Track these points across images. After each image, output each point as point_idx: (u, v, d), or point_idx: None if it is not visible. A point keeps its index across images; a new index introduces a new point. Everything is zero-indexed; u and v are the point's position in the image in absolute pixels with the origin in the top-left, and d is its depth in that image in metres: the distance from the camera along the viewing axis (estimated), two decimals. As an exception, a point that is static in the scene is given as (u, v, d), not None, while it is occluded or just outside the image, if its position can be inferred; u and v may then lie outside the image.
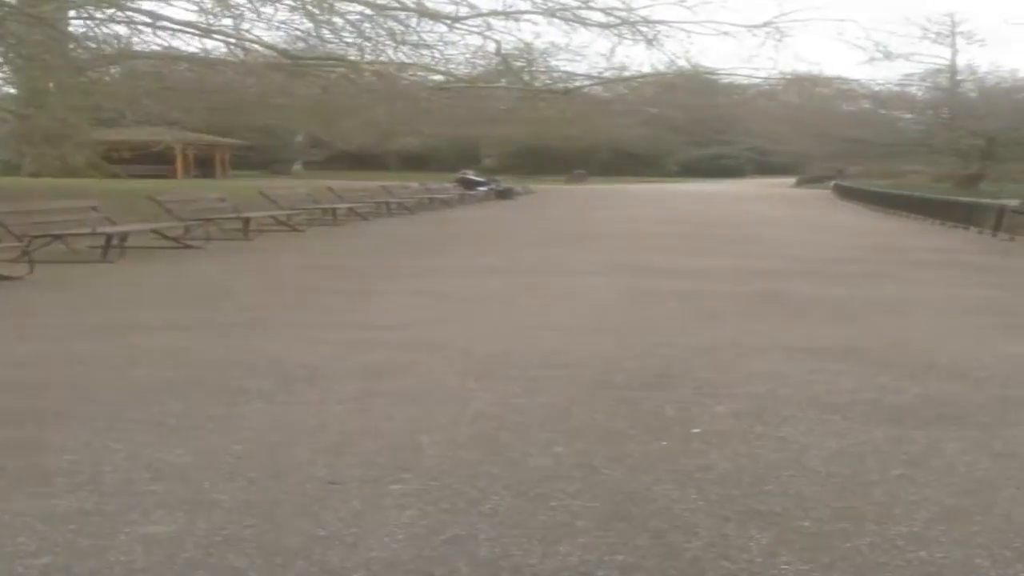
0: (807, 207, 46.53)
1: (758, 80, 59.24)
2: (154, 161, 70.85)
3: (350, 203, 30.85)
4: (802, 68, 49.59)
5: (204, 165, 72.72)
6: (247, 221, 22.39)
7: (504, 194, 48.08)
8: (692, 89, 57.76)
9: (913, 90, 77.32)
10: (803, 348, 9.62)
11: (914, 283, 15.56)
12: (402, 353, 9.05)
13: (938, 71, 74.57)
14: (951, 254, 21.30)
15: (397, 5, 38.91)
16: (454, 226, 28.01)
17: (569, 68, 46.57)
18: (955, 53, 69.80)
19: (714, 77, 53.92)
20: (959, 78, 75.45)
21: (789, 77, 61.23)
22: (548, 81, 46.68)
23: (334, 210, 28.06)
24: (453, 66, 45.76)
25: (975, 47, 73.69)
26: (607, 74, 46.71)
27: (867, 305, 12.94)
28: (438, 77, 47.15)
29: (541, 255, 19.22)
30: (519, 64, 44.81)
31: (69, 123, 56.07)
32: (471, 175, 51.40)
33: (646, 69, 47.74)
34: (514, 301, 12.90)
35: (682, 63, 45.05)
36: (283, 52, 44.38)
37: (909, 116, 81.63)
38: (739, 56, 56.79)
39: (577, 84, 47.10)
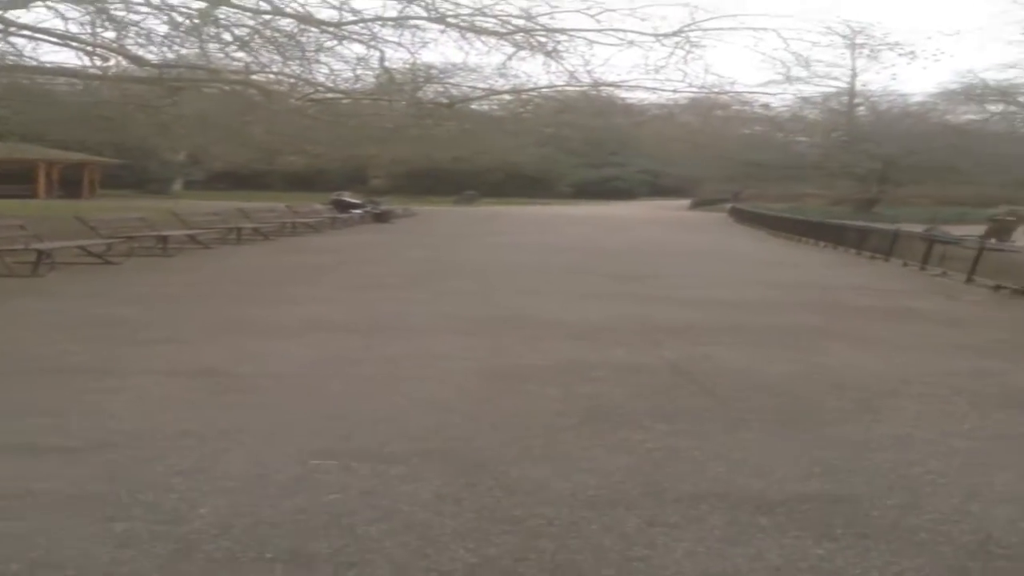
0: (706, 232, 42.89)
1: (658, 101, 56.18)
2: (12, 180, 65.44)
3: (192, 229, 26.26)
4: (711, 81, 45.67)
5: (70, 185, 67.06)
6: None
7: (381, 217, 43.74)
8: (590, 109, 54.62)
9: (810, 112, 74.67)
10: (764, 507, 5.63)
11: (876, 346, 11.55)
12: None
13: (836, 93, 71.73)
14: (890, 297, 17.49)
15: (272, 10, 35.04)
16: (305, 257, 23.61)
17: (459, 81, 43.17)
18: (854, 76, 66.89)
19: (613, 96, 50.19)
20: (856, 101, 72.94)
21: (690, 98, 58.45)
22: (435, 95, 42.91)
23: (165, 238, 23.41)
24: (340, 81, 42.03)
25: (872, 70, 70.46)
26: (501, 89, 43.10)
27: (833, 391, 8.88)
28: (325, 94, 43.31)
29: (392, 300, 14.96)
30: (402, 77, 40.99)
31: None
32: (346, 197, 46.89)
33: (544, 84, 44.09)
34: (317, 390, 8.59)
35: (583, 76, 41.54)
36: (159, 66, 40.73)
37: (805, 139, 79.02)
38: (645, 69, 53.37)
39: (466, 97, 43.33)
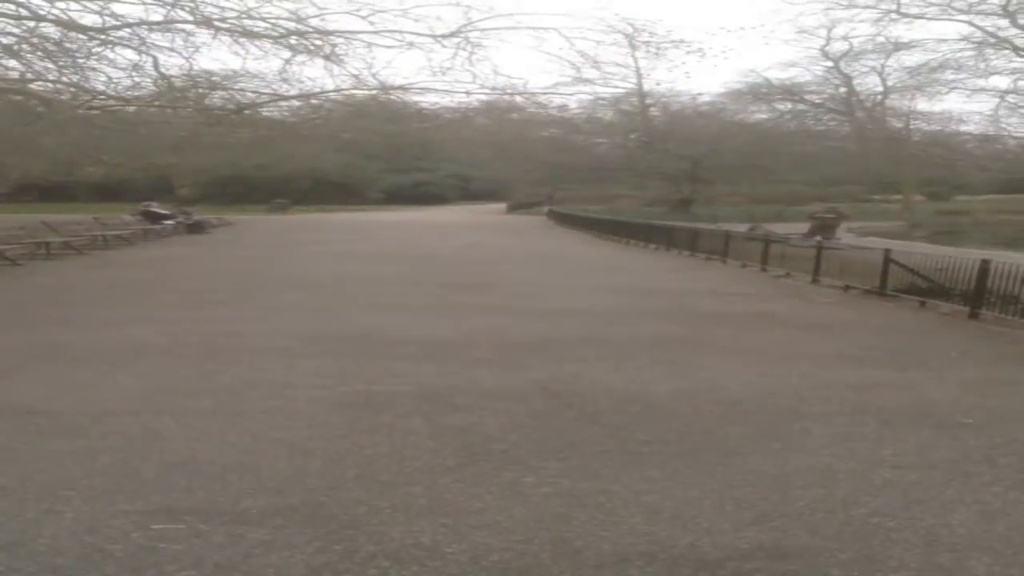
0: (529, 236, 42.17)
1: (451, 104, 55.75)
2: None
3: (-5, 244, 24.42)
4: (502, 82, 45.21)
5: None
6: None
7: (195, 228, 41.80)
8: (383, 114, 53.99)
9: (604, 113, 74.94)
10: (704, 569, 4.83)
11: (752, 358, 10.78)
12: None
13: (627, 94, 71.77)
14: (744, 301, 16.86)
15: (32, 15, 33.15)
16: (121, 272, 21.87)
17: (242, 87, 41.90)
18: (640, 76, 67.26)
19: (405, 98, 49.48)
20: (648, 102, 73.30)
21: (482, 100, 57.97)
22: (221, 102, 41.55)
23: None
24: (120, 89, 40.25)
25: (660, 69, 71.30)
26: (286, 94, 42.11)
27: (728, 413, 8.06)
28: (106, 101, 41.41)
29: (222, 320, 13.60)
30: (182, 83, 39.48)
31: None
32: (155, 207, 44.70)
33: (330, 89, 43.28)
34: (150, 430, 7.33)
35: (368, 80, 40.69)
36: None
37: (605, 140, 79.26)
38: (431, 71, 53.02)
39: (252, 103, 42.04)
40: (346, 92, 44.55)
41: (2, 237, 25.68)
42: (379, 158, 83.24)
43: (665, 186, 76.28)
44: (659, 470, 6.33)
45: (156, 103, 41.24)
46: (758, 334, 12.70)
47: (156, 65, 37.94)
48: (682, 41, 67.55)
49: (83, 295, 17.33)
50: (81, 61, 37.17)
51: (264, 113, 48.38)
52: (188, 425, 7.46)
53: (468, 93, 44.94)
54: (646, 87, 70.12)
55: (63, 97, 40.76)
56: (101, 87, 40.65)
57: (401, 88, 44.45)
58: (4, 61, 38.67)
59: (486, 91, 45.04)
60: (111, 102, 40.61)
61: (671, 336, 12.30)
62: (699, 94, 72.94)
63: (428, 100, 53.08)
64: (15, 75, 39.15)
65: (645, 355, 10.75)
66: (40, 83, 39.85)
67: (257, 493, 5.82)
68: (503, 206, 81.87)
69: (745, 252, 24.85)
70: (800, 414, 7.99)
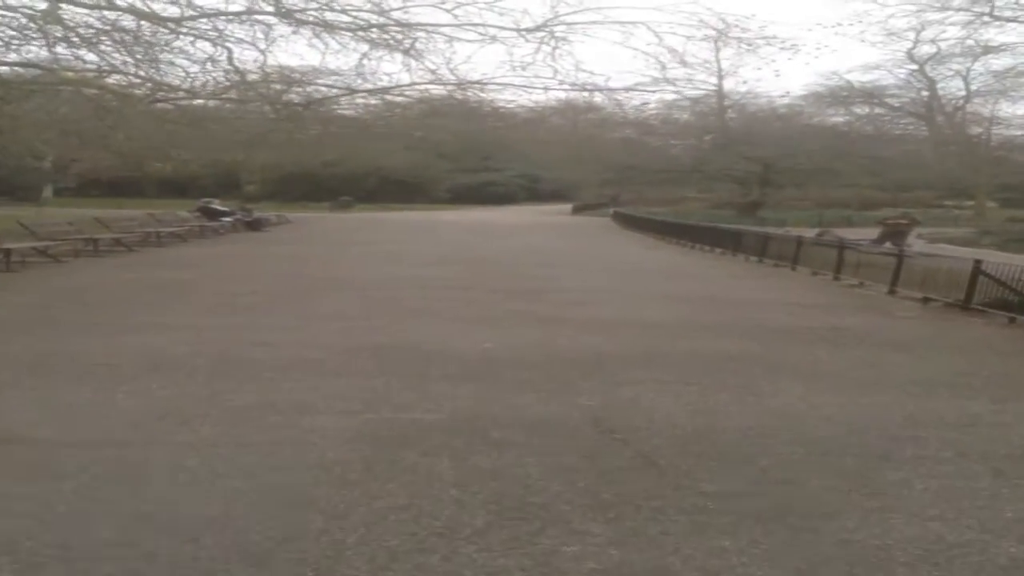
0: (592, 239, 40.93)
1: (527, 103, 54.40)
2: None
3: (42, 240, 23.51)
4: (583, 79, 43.61)
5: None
6: None
7: (254, 225, 40.99)
8: (458, 112, 52.74)
9: (680, 114, 73.33)
10: None
11: (832, 383, 9.49)
12: None
13: (706, 96, 70.21)
14: (817, 314, 15.52)
15: (108, 5, 32.51)
16: (163, 272, 20.91)
17: (317, 83, 41.01)
18: (721, 76, 65.74)
19: (481, 95, 48.08)
20: (726, 103, 71.82)
21: (560, 100, 56.71)
22: (293, 96, 40.51)
23: (8, 251, 20.56)
24: (194, 84, 39.56)
25: (748, 66, 69.45)
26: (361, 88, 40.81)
27: (814, 458, 6.82)
28: (179, 96, 40.83)
29: (252, 327, 12.52)
30: (255, 77, 38.58)
31: None
32: (215, 204, 43.97)
33: (405, 83, 41.92)
34: (135, 467, 6.27)
35: (446, 75, 39.43)
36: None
37: (679, 142, 77.70)
38: (511, 66, 51.34)
39: (324, 97, 40.95)
40: (421, 88, 43.27)
41: (50, 233, 24.89)
42: (449, 157, 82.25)
43: (734, 189, 74.83)
44: (731, 538, 5.12)
45: (227, 96, 40.30)
46: (835, 354, 11.38)
47: (231, 58, 37.29)
48: (774, 37, 65.51)
49: (114, 296, 16.39)
50: (158, 54, 36.67)
51: (337, 111, 47.62)
52: (178, 462, 6.35)
53: (547, 89, 43.44)
54: (727, 87, 68.84)
55: (137, 92, 40.25)
56: (176, 81, 40.15)
57: (478, 83, 43.06)
58: (82, 54, 38.33)
59: (566, 87, 43.46)
60: (182, 95, 39.74)
61: (739, 354, 11.03)
62: (782, 95, 71.49)
63: (504, 97, 51.56)
64: (92, 69, 38.74)
65: (711, 377, 9.51)
66: (115, 77, 39.32)
67: (233, 565, 4.69)
68: (569, 207, 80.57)
69: (817, 259, 23.47)
70: (894, 460, 6.72)
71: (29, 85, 40.47)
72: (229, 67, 36.97)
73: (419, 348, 10.92)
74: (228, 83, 38.90)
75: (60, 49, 37.22)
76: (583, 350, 11.01)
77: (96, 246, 25.31)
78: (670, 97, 66.74)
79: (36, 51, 39.05)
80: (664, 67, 55.32)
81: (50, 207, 60.34)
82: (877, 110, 72.07)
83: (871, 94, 69.90)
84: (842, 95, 70.49)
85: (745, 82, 75.91)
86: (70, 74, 38.92)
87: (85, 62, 39.36)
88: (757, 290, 19.53)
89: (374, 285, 18.44)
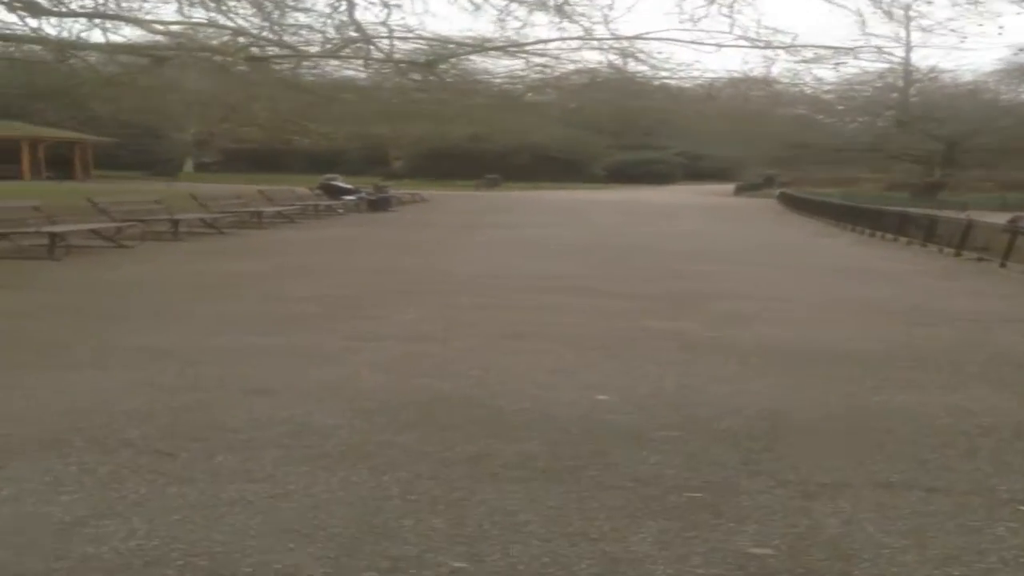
0: (755, 222, 36.66)
1: (696, 77, 50.10)
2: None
3: (111, 221, 20.52)
4: (765, 36, 38.79)
5: (60, 164, 61.18)
6: None
7: (379, 205, 37.72)
8: (621, 86, 48.87)
9: (858, 90, 67.79)
10: None
11: None
12: None
13: (890, 69, 64.62)
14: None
15: None
16: (232, 263, 17.60)
17: (437, 30, 37.91)
18: (909, 49, 60.22)
19: (644, 68, 43.88)
20: (914, 77, 66.15)
21: (730, 79, 52.37)
22: (415, 52, 36.95)
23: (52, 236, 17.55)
24: (313, 44, 36.76)
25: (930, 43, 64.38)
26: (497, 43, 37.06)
27: None
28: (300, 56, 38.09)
29: (280, 354, 8.95)
30: (378, 26, 35.31)
31: None
32: (338, 181, 40.71)
33: (553, 38, 38.08)
34: None
35: (600, 32, 35.50)
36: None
37: (860, 120, 72.18)
38: (680, 20, 46.89)
39: (453, 54, 37.34)
40: (575, 49, 39.31)
41: (128, 212, 21.89)
42: (607, 132, 78.22)
43: (912, 169, 69.43)
44: None
45: (346, 55, 37.21)
46: None
47: (351, 11, 34.33)
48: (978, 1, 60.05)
49: (129, 299, 12.90)
50: (280, 15, 34.17)
51: (484, 80, 44.51)
52: None
53: (719, 46, 38.70)
54: (913, 60, 63.44)
55: (269, 52, 37.81)
56: (292, 39, 37.49)
57: (638, 38, 38.83)
58: (215, 17, 36.21)
59: (744, 44, 38.79)
60: (295, 56, 36.97)
61: (991, 422, 7.02)
62: (960, 70, 65.79)
63: (670, 66, 47.09)
64: (227, 31, 36.59)
65: (963, 476, 5.61)
66: (244, 39, 36.86)
67: None
68: (731, 187, 75.74)
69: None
70: None
71: (162, 51, 38.63)
72: (348, 19, 34.03)
73: (493, 403, 7.17)
74: (340, 39, 35.76)
75: (195, 13, 35.27)
76: (750, 409, 7.14)
77: (176, 228, 22.11)
78: (851, 72, 61.72)
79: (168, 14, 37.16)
80: (864, 22, 50.46)
81: (181, 182, 58.46)
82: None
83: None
84: (1029, 71, 64.37)
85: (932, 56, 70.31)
86: (208, 39, 36.93)
87: (218, 26, 37.30)
88: (968, 296, 15.22)
89: (480, 285, 14.76)
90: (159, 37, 37.33)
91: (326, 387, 7.54)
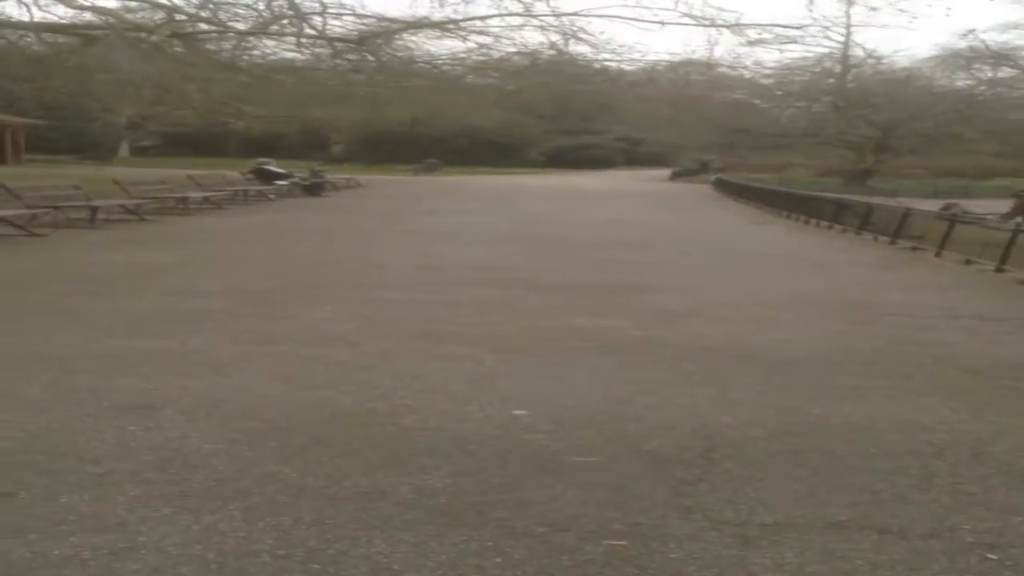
0: (691, 210, 36.06)
1: (636, 56, 49.54)
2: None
3: (26, 208, 19.39)
4: (711, 13, 38.19)
5: (-15, 149, 58.91)
6: None
7: (313, 190, 36.65)
8: (560, 69, 48.19)
9: (797, 75, 67.55)
10: None
11: None
12: None
13: (828, 54, 64.34)
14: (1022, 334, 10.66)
15: None
16: (139, 253, 16.52)
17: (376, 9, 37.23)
18: (849, 32, 59.85)
19: (585, 51, 43.31)
20: (851, 63, 65.88)
21: (669, 63, 51.89)
22: (349, 30, 36.16)
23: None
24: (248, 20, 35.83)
25: (874, 23, 64.05)
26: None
27: None
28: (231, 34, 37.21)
29: (127, 372, 8.06)
30: (312, 3, 34.55)
31: None
32: (271, 166, 39.46)
33: (488, 14, 37.36)
34: None
35: (539, 8, 34.84)
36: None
37: (797, 105, 71.81)
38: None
39: (386, 31, 36.49)
40: (514, 22, 38.53)
41: (45, 198, 20.77)
42: (546, 117, 77.42)
43: (846, 156, 69.20)
44: None
45: (273, 30, 36.27)
46: None
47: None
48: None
49: (21, 294, 11.81)
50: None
51: (420, 63, 43.64)
52: None
53: (663, 23, 38.01)
54: (857, 42, 63.27)
55: (201, 30, 36.85)
56: (224, 16, 36.58)
57: (578, 15, 38.08)
58: None
59: (689, 20, 38.10)
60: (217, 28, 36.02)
61: (944, 439, 6.24)
62: (906, 55, 65.64)
63: (611, 49, 46.23)
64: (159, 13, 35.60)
65: (921, 512, 4.89)
66: (180, 17, 35.87)
67: None
68: (667, 173, 75.10)
69: (974, 242, 18.57)
70: None
71: (92, 30, 37.58)
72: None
73: (398, 422, 6.35)
74: (274, 17, 34.87)
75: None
76: (682, 426, 6.39)
77: (94, 215, 21.01)
78: (792, 56, 61.43)
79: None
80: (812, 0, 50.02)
81: (114, 166, 56.90)
82: (1012, 72, 65.59)
83: (1006, 56, 63.49)
84: (972, 56, 64.24)
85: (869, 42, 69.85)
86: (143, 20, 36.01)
87: (153, 4, 36.33)
88: (908, 290, 14.53)
89: (404, 278, 13.94)
90: (88, 15, 36.25)
91: (212, 402, 6.67)
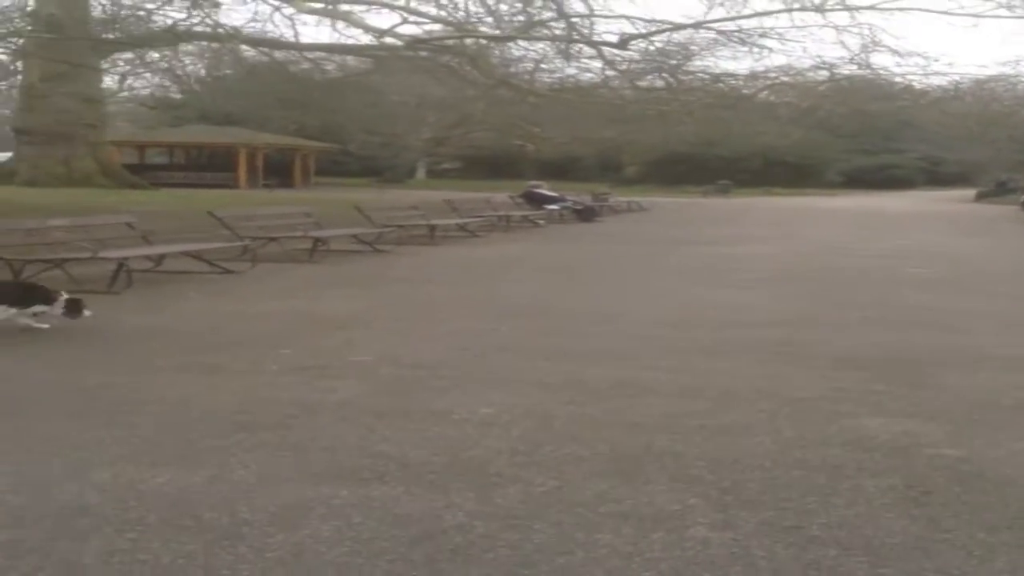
0: (1004, 238, 30.58)
1: (940, 83, 45.06)
2: (207, 167, 58.17)
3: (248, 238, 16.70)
4: None
5: (279, 172, 58.40)
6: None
7: (585, 214, 33.46)
8: (864, 87, 44.51)
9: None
10: None
11: None
12: None
13: None
14: None
15: None
16: (320, 298, 13.20)
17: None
18: None
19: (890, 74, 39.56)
20: None
21: (975, 80, 47.30)
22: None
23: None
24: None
25: None
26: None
27: None
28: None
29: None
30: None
31: (74, 118, 44.20)
32: (543, 188, 36.23)
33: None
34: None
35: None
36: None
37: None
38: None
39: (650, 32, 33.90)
40: (807, 24, 35.27)
41: (267, 228, 18.30)
42: (844, 136, 72.41)
43: None
44: None
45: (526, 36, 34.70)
46: None
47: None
48: None
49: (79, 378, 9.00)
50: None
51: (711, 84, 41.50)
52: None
53: (978, 17, 34.16)
54: None
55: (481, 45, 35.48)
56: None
57: (874, 8, 34.45)
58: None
59: (1005, 13, 33.94)
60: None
61: None
62: None
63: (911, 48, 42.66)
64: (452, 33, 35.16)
65: None
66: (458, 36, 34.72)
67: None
68: (971, 193, 67.67)
69: None
70: None
71: (380, 52, 36.83)
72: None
73: None
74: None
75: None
76: None
77: (315, 247, 18.07)
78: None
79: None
80: None
81: (406, 188, 55.76)
82: None
83: None
84: None
85: None
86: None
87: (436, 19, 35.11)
88: None
89: (632, 338, 10.15)
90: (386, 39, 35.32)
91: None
